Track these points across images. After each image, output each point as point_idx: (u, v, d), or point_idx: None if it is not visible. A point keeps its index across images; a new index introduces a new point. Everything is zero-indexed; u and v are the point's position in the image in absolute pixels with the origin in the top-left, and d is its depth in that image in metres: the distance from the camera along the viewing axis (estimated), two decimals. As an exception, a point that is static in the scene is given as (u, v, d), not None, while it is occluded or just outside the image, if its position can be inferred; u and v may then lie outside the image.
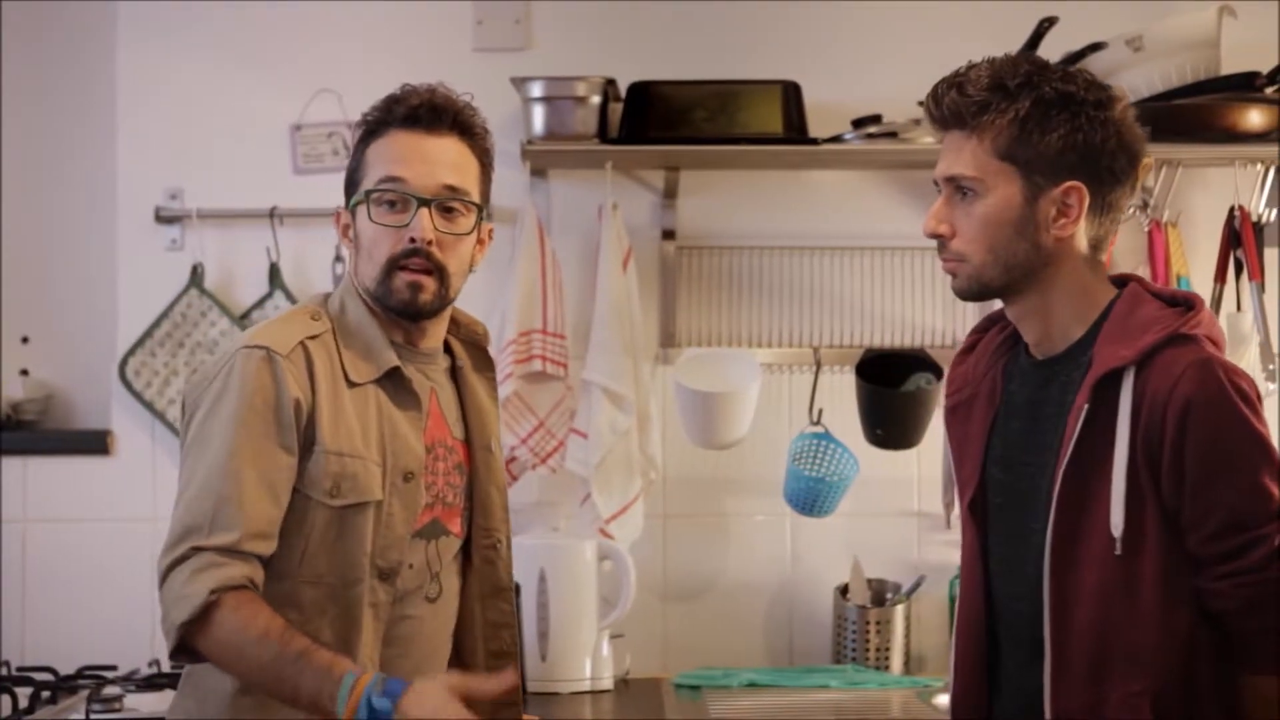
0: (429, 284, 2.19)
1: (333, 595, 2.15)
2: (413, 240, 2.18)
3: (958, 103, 2.15)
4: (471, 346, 2.36)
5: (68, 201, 3.78)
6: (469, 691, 2.01)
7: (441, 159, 2.22)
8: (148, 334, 3.62)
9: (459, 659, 2.31)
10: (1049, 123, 2.13)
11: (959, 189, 2.17)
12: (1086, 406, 2.10)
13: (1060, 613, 2.10)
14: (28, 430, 3.68)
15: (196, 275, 3.64)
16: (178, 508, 2.11)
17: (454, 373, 2.33)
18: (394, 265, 2.19)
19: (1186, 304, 2.17)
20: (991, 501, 2.24)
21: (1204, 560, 2.10)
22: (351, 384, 2.19)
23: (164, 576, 2.08)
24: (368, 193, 2.20)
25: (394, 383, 2.22)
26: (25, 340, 3.76)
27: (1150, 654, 2.09)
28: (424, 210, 2.18)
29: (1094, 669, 2.09)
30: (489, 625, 2.33)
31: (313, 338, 2.18)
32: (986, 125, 2.14)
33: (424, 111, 2.22)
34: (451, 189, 2.21)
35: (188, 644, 2.05)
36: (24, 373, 3.73)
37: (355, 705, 1.97)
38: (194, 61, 3.61)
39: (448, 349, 2.33)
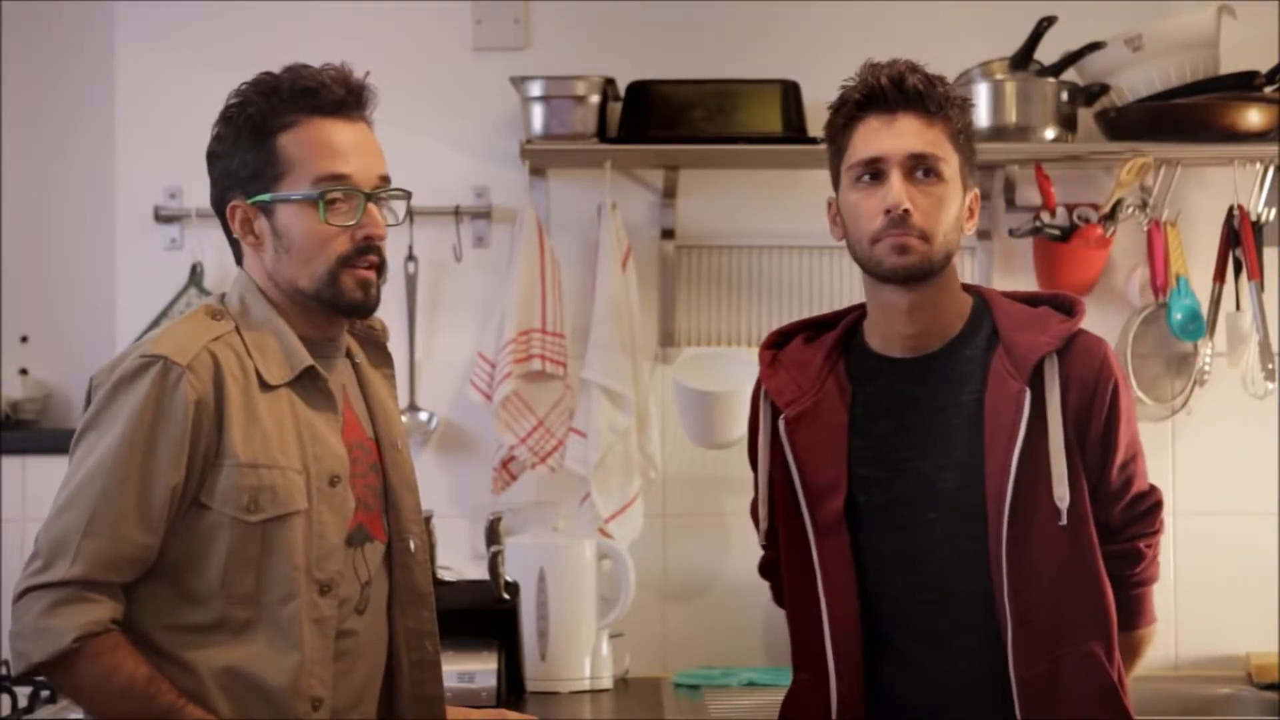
0: (376, 280, 2.14)
1: (266, 615, 2.04)
2: (367, 239, 2.11)
3: (922, 88, 2.25)
4: (368, 342, 2.28)
5: (67, 201, 3.77)
6: None
7: (369, 148, 2.14)
8: (147, 333, 3.61)
9: (386, 670, 2.20)
10: (972, 132, 2.32)
11: (922, 169, 2.24)
12: (1029, 391, 2.20)
13: (1018, 588, 2.20)
14: (27, 429, 3.68)
15: (196, 274, 3.64)
16: (49, 522, 2.01)
17: (355, 370, 2.24)
18: (344, 264, 2.11)
19: (1051, 301, 2.32)
20: (869, 501, 2.28)
21: (1118, 526, 2.31)
22: (266, 387, 2.08)
23: (21, 594, 1.99)
24: (321, 194, 2.08)
25: (306, 384, 2.12)
26: (25, 340, 3.76)
27: (1097, 615, 2.25)
28: (371, 205, 2.11)
29: (1053, 635, 2.22)
30: (410, 634, 2.20)
31: (217, 339, 2.07)
32: (946, 117, 2.26)
33: (349, 99, 2.12)
34: (385, 179, 2.15)
35: (41, 677, 1.99)
36: (23, 372, 3.73)
37: None
38: (193, 61, 3.61)
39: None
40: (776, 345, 2.41)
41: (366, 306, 2.15)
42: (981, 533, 2.23)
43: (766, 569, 2.51)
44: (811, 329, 2.41)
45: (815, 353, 2.36)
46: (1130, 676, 2.35)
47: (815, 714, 2.30)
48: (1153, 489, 2.36)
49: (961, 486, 2.24)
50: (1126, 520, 2.33)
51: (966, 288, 2.35)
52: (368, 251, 2.12)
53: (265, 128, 2.11)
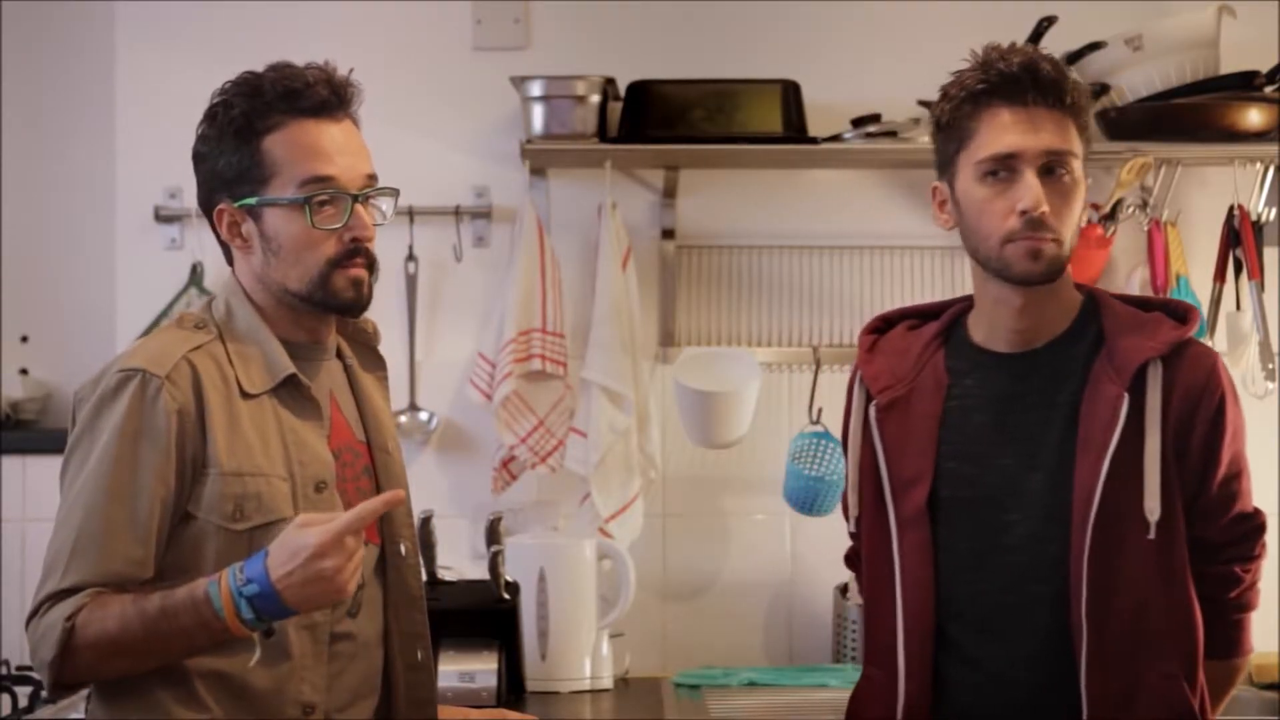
0: (367, 278, 2.12)
1: None
2: (355, 240, 2.09)
3: (1055, 76, 2.14)
4: (360, 345, 2.27)
5: (67, 201, 3.78)
6: (340, 526, 1.90)
7: (353, 147, 2.11)
8: (147, 333, 3.62)
9: (382, 672, 2.19)
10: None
11: (1055, 167, 2.14)
12: (1127, 396, 2.13)
13: (1097, 598, 2.12)
14: (27, 429, 3.68)
15: (196, 274, 3.64)
16: (48, 545, 2.01)
17: (346, 372, 2.22)
18: (333, 265, 2.09)
19: (1164, 307, 2.24)
20: (953, 496, 2.21)
21: (1216, 546, 2.20)
22: (246, 395, 2.06)
23: (30, 617, 1.99)
24: (307, 199, 2.06)
25: (290, 391, 2.10)
26: (25, 339, 3.77)
27: (1182, 636, 2.16)
28: (358, 207, 2.09)
29: (1131, 651, 2.13)
30: (404, 637, 2.19)
31: (197, 349, 2.06)
32: (1077, 108, 2.15)
33: (332, 99, 2.09)
34: (372, 178, 2.12)
35: (65, 678, 1.97)
36: (24, 372, 3.73)
37: (232, 607, 1.91)
38: (193, 61, 3.61)
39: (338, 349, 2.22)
40: (878, 331, 2.34)
41: (359, 305, 2.13)
42: (1065, 537, 2.14)
43: (852, 559, 2.44)
44: (916, 317, 2.34)
45: (915, 341, 2.28)
46: (1219, 711, 2.25)
47: (882, 711, 2.24)
48: (1257, 512, 2.24)
49: (1049, 488, 2.16)
50: (1225, 541, 2.21)
51: (1078, 286, 2.25)
52: (356, 254, 2.11)
53: (250, 130, 2.08)
